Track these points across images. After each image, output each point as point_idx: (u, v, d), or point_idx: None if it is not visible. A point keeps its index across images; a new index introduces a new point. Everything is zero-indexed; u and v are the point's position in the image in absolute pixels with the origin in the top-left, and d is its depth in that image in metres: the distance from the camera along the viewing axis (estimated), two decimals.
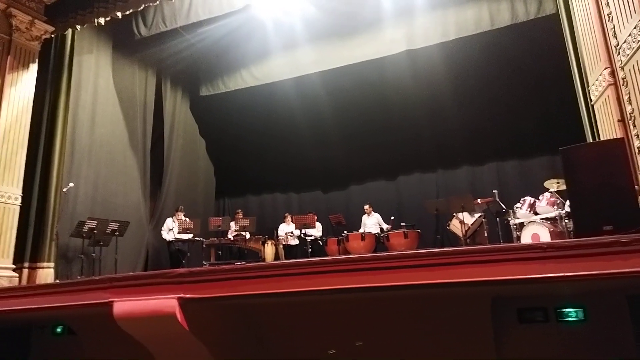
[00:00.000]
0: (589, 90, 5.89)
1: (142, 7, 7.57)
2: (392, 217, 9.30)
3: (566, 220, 6.26)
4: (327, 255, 8.82)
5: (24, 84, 7.25)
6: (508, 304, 3.72)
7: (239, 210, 10.61)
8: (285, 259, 9.42)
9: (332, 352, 3.92)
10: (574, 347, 3.57)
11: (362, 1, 9.24)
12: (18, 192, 6.95)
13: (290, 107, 11.15)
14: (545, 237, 6.21)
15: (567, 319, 3.56)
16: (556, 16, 7.23)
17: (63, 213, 7.71)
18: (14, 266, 6.77)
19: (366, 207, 9.87)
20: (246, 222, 9.37)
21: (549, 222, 6.55)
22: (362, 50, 9.64)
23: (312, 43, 9.91)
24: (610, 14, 5.11)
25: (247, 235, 9.57)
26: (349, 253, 8.64)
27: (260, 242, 9.50)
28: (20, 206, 6.96)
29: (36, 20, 7.46)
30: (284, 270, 3.44)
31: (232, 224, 9.86)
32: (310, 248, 9.27)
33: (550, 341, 3.64)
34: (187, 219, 9.28)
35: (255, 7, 8.87)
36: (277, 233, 10.07)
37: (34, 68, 7.45)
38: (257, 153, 12.07)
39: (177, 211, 9.50)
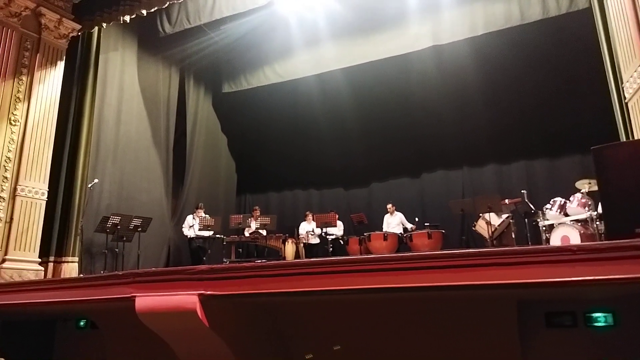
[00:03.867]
0: (622, 88, 5.70)
1: (166, 5, 7.62)
2: (417, 219, 9.14)
3: (597, 222, 6.06)
4: (348, 255, 8.76)
5: (51, 81, 7.38)
6: (535, 307, 3.63)
7: (256, 207, 10.57)
8: (306, 257, 9.39)
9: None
10: (603, 353, 3.46)
11: None
12: (44, 187, 7.07)
13: (313, 104, 11.13)
14: (575, 239, 6.03)
15: (596, 324, 3.48)
16: (589, 11, 7.03)
17: (88, 209, 7.83)
18: (40, 260, 6.89)
19: (389, 206, 9.77)
20: (267, 220, 9.38)
21: (579, 224, 6.35)
22: (386, 47, 9.52)
23: (335, 39, 9.84)
24: None
25: (264, 233, 9.57)
26: (370, 253, 8.57)
27: (281, 240, 9.49)
28: (46, 201, 7.07)
29: (64, 19, 7.58)
30: (305, 269, 3.41)
31: (253, 221, 9.87)
32: (331, 247, 9.24)
33: (579, 346, 3.54)
34: (207, 215, 9.34)
35: (278, 3, 8.86)
36: (297, 231, 10.06)
37: (61, 65, 7.57)
38: (279, 150, 12.08)
39: (197, 208, 9.58)
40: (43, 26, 7.36)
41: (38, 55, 7.25)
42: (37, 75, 7.18)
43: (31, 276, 6.58)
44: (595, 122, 7.98)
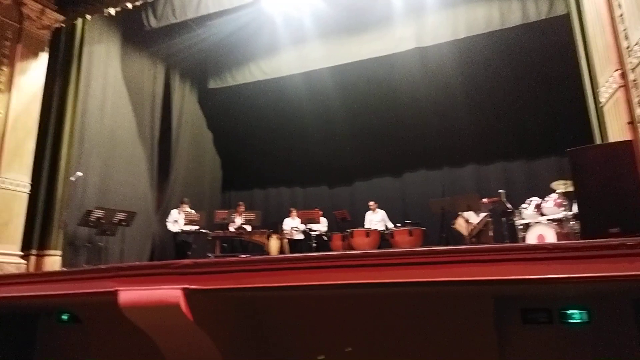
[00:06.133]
0: (598, 92, 5.85)
1: None
2: (399, 224, 9.21)
3: (572, 222, 6.23)
4: (331, 251, 8.83)
5: (33, 72, 7.28)
6: (512, 304, 3.70)
7: (241, 203, 10.48)
8: (290, 253, 9.43)
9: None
10: (577, 349, 3.55)
11: None
12: (27, 179, 6.99)
13: (298, 102, 11.15)
14: (551, 238, 6.19)
15: (570, 321, 3.54)
16: (567, 17, 7.19)
17: (71, 202, 7.76)
18: (22, 253, 6.82)
19: (371, 203, 9.86)
20: (251, 216, 9.40)
21: (555, 223, 6.52)
22: (371, 47, 9.62)
23: (321, 38, 9.89)
24: (622, 15, 5.06)
25: (249, 228, 9.59)
26: (353, 249, 8.65)
27: (265, 235, 9.51)
28: (29, 194, 7.00)
29: (47, 9, 7.48)
30: (289, 264, 3.44)
31: (237, 217, 9.88)
32: (314, 243, 9.29)
33: (554, 342, 3.63)
34: (192, 210, 9.32)
35: (265, 1, 8.87)
36: (282, 227, 10.09)
37: (44, 57, 7.47)
38: (264, 147, 12.08)
39: (182, 203, 9.53)
40: (25, 16, 7.23)
41: (19, 45, 7.12)
42: (18, 65, 7.07)
43: (12, 269, 6.50)
44: (571, 125, 8.18)
